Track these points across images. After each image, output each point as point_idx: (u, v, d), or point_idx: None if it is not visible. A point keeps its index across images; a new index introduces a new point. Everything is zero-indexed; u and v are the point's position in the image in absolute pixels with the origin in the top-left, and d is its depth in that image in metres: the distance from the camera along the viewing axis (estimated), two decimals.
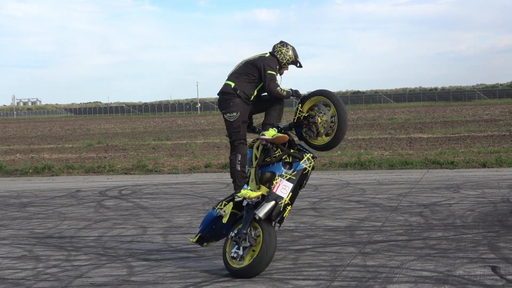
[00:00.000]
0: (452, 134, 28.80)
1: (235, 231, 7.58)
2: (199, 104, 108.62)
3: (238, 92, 7.77)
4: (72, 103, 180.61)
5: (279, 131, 7.86)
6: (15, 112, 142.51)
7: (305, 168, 7.65)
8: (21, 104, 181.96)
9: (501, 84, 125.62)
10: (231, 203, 7.79)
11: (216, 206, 7.94)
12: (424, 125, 36.35)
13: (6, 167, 21.19)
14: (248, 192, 7.58)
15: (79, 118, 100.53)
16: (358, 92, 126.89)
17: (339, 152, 22.00)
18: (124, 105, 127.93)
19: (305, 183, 7.89)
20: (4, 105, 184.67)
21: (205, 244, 8.20)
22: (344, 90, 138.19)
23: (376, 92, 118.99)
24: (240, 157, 7.72)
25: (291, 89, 7.83)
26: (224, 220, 7.77)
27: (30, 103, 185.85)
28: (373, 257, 8.12)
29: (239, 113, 7.76)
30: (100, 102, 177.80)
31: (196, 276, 7.60)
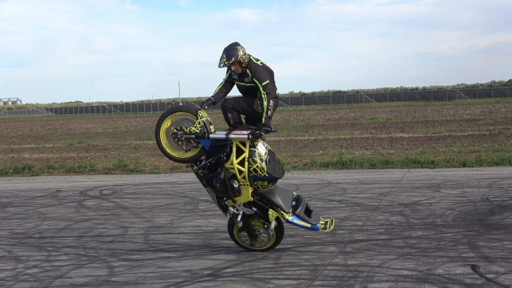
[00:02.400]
0: (433, 133, 28.95)
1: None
2: (181, 104, 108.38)
3: None
4: (53, 103, 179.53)
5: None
6: None
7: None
8: (1, 103, 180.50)
9: (481, 84, 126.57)
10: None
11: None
12: (405, 125, 36.50)
13: None
14: None
15: (60, 118, 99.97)
16: (340, 92, 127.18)
17: (320, 151, 22.05)
18: (105, 105, 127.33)
19: None
20: None
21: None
22: (326, 90, 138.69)
23: (357, 92, 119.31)
24: None
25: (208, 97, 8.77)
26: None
27: (10, 103, 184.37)
28: (354, 256, 8.15)
29: None
30: (81, 101, 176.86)
31: (177, 276, 7.59)
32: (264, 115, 8.36)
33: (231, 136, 8.18)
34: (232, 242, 9.10)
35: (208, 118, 8.41)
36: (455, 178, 14.88)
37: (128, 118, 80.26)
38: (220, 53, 8.51)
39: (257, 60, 8.65)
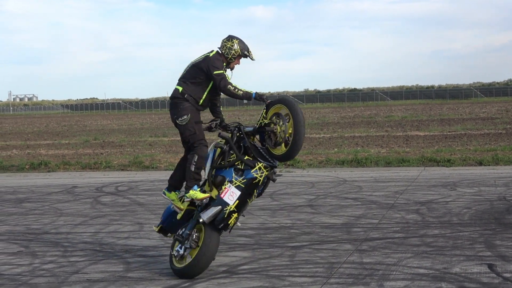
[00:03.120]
0: (449, 132, 28.82)
1: (182, 230, 7.56)
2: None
3: (186, 96, 7.65)
4: (69, 99, 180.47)
5: (241, 134, 7.67)
6: (11, 108, 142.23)
7: (255, 177, 7.38)
8: (18, 100, 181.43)
9: (497, 83, 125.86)
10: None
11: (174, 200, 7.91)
12: (421, 123, 36.37)
13: (3, 163, 21.15)
14: (196, 193, 7.47)
15: (76, 114, 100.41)
16: (355, 89, 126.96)
17: (335, 149, 22.01)
18: (120, 102, 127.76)
19: (262, 192, 7.72)
20: (1, 101, 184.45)
21: (168, 235, 8.19)
22: (341, 87, 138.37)
23: (373, 90, 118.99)
24: (196, 158, 7.56)
25: (254, 92, 7.51)
26: (178, 217, 7.81)
27: (26, 99, 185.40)
28: (369, 254, 8.13)
29: (189, 115, 7.61)
30: (96, 98, 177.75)
31: None
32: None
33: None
34: (249, 239, 9.12)
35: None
36: (471, 177, 14.80)
37: (143, 115, 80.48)
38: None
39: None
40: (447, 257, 7.84)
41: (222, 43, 7.81)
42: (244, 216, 8.06)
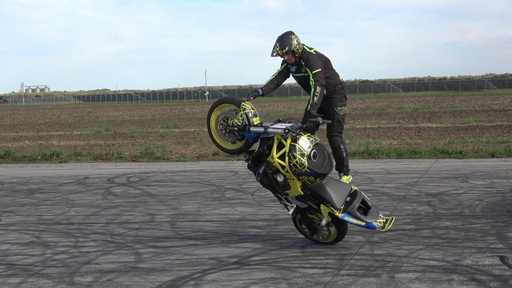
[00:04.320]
0: (461, 123, 28.70)
1: None
2: (207, 92, 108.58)
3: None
4: (81, 91, 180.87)
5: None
6: (23, 99, 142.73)
7: None
8: (30, 91, 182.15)
9: (510, 74, 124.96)
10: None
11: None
12: (433, 115, 36.24)
13: (15, 154, 21.25)
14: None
15: (87, 105, 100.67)
16: (367, 81, 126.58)
17: (347, 141, 21.96)
18: (132, 93, 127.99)
19: None
20: (13, 92, 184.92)
21: None
22: (352, 79, 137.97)
23: (384, 81, 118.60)
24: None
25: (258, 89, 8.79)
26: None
27: (38, 90, 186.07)
28: (380, 246, 8.11)
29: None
30: (108, 89, 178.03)
31: (204, 263, 7.61)
32: (310, 101, 8.13)
33: (270, 129, 7.95)
34: (260, 230, 9.13)
35: (252, 110, 8.20)
36: (484, 169, 14.74)
37: (154, 106, 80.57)
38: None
39: (311, 48, 8.53)
40: (458, 249, 7.82)
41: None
42: None
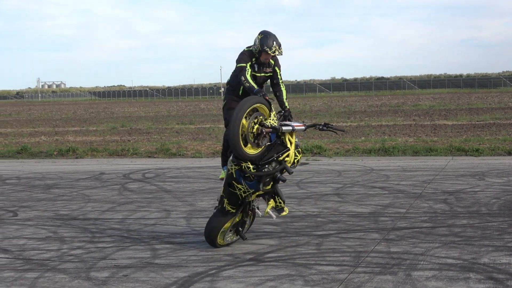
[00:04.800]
0: (477, 121, 28.55)
1: None
2: (222, 89, 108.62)
3: (229, 85, 8.64)
4: (96, 86, 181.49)
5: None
6: (40, 95, 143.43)
7: None
8: (46, 87, 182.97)
9: None
10: None
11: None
12: (449, 112, 36.07)
13: (31, 149, 21.37)
14: None
15: (103, 101, 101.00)
16: (382, 78, 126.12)
17: (363, 138, 21.91)
18: (147, 89, 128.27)
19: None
20: (29, 87, 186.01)
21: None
22: (368, 76, 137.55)
23: (400, 78, 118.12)
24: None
25: (256, 89, 7.98)
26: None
27: (54, 86, 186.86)
28: (397, 243, 8.08)
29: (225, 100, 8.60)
30: (124, 85, 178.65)
31: (220, 259, 7.61)
32: (285, 100, 8.51)
33: (296, 128, 7.90)
34: (275, 227, 9.14)
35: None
36: (500, 167, 14.65)
37: (170, 103, 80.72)
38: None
39: None
40: (475, 247, 7.78)
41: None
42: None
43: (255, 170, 7.75)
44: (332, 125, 8.23)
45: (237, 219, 8.23)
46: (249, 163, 7.72)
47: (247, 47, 8.44)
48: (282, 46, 8.36)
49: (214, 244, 8.10)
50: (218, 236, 8.07)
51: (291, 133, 7.96)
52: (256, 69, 8.43)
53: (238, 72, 8.25)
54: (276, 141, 7.92)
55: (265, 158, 7.81)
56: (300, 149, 8.12)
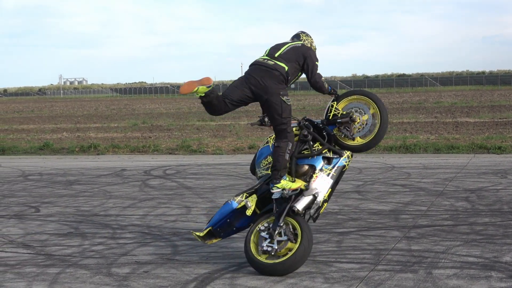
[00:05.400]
0: (500, 118, 28.32)
1: (265, 224, 7.07)
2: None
3: (288, 78, 7.25)
4: (118, 83, 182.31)
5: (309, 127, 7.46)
6: (62, 91, 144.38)
7: (345, 165, 7.28)
8: (68, 83, 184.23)
9: None
10: (254, 196, 7.30)
11: (237, 197, 7.37)
12: (471, 109, 35.82)
13: (53, 145, 21.53)
14: (289, 183, 7.07)
15: (124, 98, 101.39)
16: (404, 75, 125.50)
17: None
18: (168, 86, 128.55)
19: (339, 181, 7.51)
20: (52, 84, 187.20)
21: (208, 241, 7.46)
22: (389, 73, 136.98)
23: (422, 75, 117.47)
24: (291, 146, 7.17)
25: (330, 87, 7.45)
26: (249, 212, 7.20)
27: (76, 83, 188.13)
28: (418, 241, 8.05)
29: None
30: (145, 82, 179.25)
31: (240, 256, 7.61)
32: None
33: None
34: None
35: None
36: None
37: (191, 99, 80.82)
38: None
39: None
40: (497, 245, 7.72)
41: (303, 37, 7.59)
42: None
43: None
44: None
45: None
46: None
47: (302, 43, 7.52)
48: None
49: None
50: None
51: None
52: None
53: (316, 72, 7.28)
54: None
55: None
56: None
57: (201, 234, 7.37)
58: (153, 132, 27.23)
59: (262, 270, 6.89)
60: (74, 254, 7.92)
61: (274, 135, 7.36)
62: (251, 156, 17.02)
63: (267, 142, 7.48)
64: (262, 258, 6.93)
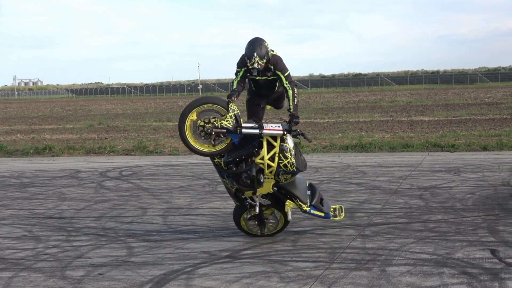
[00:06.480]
0: (454, 117, 28.76)
1: None
2: (201, 86, 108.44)
3: None
4: (73, 84, 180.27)
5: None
6: (16, 92, 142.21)
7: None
8: (22, 84, 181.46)
9: (503, 67, 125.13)
10: None
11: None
12: (426, 108, 36.29)
13: (7, 148, 21.20)
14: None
15: (80, 99, 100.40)
16: (360, 74, 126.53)
17: (340, 134, 21.99)
18: (125, 86, 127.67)
19: None
20: (5, 85, 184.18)
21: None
22: (346, 72, 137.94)
23: (378, 74, 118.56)
24: None
25: (232, 90, 8.19)
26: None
27: (31, 84, 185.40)
28: (372, 239, 8.13)
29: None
30: (101, 82, 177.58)
31: (196, 257, 7.61)
32: (291, 103, 8.22)
33: (265, 132, 7.84)
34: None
35: (238, 111, 8.00)
36: (476, 162, 14.77)
37: (147, 100, 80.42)
38: (243, 40, 8.38)
39: (272, 50, 8.34)
40: (449, 242, 7.84)
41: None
42: None
43: (226, 168, 8.00)
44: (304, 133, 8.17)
45: (253, 213, 8.27)
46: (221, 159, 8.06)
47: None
48: (268, 54, 8.15)
49: (238, 226, 8.54)
50: (241, 222, 8.46)
51: (274, 136, 7.91)
52: (255, 73, 8.29)
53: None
54: (255, 142, 7.92)
55: (230, 155, 7.95)
56: (287, 154, 7.88)
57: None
58: (109, 133, 27.02)
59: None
60: (27, 258, 7.82)
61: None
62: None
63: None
64: None
